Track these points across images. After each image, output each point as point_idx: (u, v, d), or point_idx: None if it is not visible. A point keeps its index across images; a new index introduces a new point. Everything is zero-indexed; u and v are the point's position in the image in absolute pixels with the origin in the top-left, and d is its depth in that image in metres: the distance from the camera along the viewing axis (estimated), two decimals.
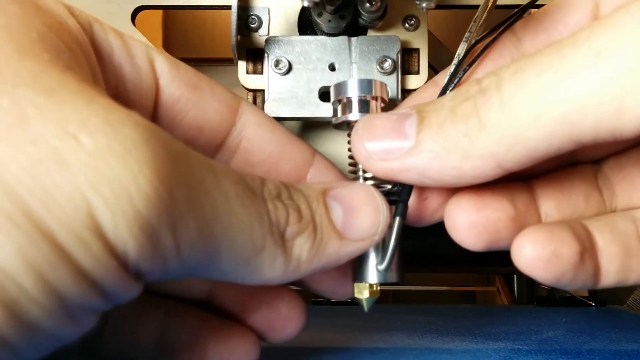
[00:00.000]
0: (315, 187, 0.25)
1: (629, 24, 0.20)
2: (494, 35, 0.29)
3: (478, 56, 0.29)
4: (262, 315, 0.29)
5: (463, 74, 0.29)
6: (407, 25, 0.35)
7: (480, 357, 0.34)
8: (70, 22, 0.22)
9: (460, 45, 0.30)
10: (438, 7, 0.32)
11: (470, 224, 0.25)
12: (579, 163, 0.29)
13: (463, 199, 0.26)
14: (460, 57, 0.29)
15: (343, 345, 0.36)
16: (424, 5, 0.31)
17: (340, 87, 0.28)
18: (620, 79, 0.19)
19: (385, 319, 0.48)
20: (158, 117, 0.27)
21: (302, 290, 0.31)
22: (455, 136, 0.23)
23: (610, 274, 0.25)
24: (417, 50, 0.35)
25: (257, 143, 0.29)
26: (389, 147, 0.24)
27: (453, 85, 0.29)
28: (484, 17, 0.30)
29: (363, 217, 0.25)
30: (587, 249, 0.25)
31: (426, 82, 0.35)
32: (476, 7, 0.37)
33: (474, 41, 0.29)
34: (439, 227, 0.30)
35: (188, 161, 0.20)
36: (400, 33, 0.35)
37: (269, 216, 0.22)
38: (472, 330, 0.41)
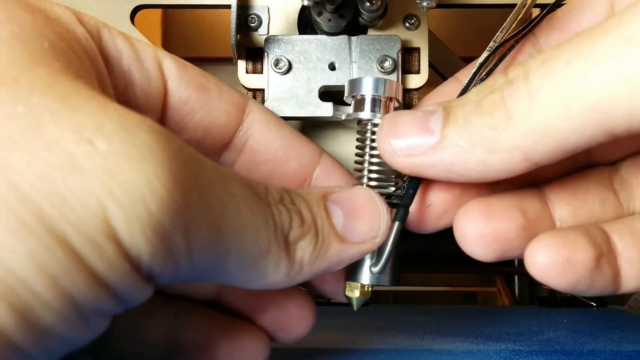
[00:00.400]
0: (315, 191, 0.25)
1: None
2: (517, 38, 0.29)
3: (502, 58, 0.29)
4: (271, 315, 0.28)
5: (486, 77, 0.28)
6: (407, 24, 0.35)
7: (481, 358, 0.33)
8: (79, 30, 0.23)
9: (483, 54, 0.29)
10: (439, 6, 0.32)
11: (479, 235, 0.25)
12: (593, 165, 0.28)
13: (471, 209, 0.26)
14: (483, 59, 0.28)
15: (343, 347, 0.36)
16: (425, 4, 0.31)
17: (355, 83, 0.28)
18: None
19: (386, 319, 0.48)
20: (166, 120, 0.27)
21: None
22: (481, 129, 0.22)
23: (631, 278, 0.24)
24: (417, 50, 0.35)
25: (264, 142, 0.29)
26: (414, 143, 0.24)
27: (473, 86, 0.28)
28: (512, 27, 0.29)
29: (364, 221, 0.25)
30: (604, 254, 0.24)
31: (428, 81, 0.35)
32: (477, 6, 0.36)
33: (496, 47, 0.29)
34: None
35: (199, 165, 0.20)
36: (401, 32, 0.35)
37: (274, 220, 0.22)
38: (473, 331, 0.41)
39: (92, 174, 0.17)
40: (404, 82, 0.35)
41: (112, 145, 0.17)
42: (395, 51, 0.33)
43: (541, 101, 0.21)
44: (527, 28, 0.29)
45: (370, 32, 0.35)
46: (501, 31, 0.29)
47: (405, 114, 0.25)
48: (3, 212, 0.16)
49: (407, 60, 0.35)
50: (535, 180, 0.27)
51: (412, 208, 0.26)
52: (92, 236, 0.17)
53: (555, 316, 0.50)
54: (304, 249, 0.23)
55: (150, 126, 0.18)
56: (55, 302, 0.17)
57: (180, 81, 0.27)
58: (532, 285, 0.87)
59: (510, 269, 0.93)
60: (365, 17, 0.33)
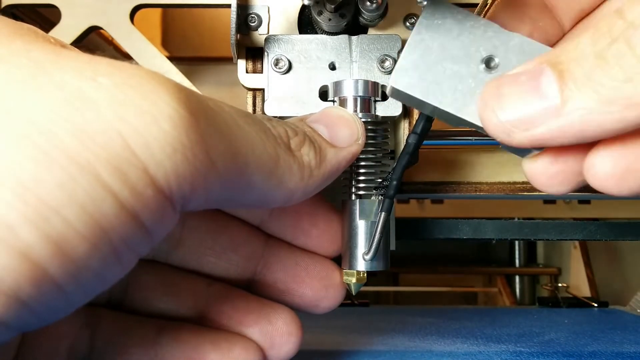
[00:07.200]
0: (292, 118, 0.27)
1: None
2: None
3: None
4: (260, 329, 0.29)
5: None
6: (408, 24, 0.35)
7: None
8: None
9: None
10: None
11: None
12: None
13: None
14: None
15: (343, 348, 0.36)
16: (425, 3, 0.30)
17: (338, 85, 0.31)
18: None
19: (386, 320, 0.47)
20: None
21: None
22: (613, 84, 0.20)
23: None
24: None
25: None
26: (530, 112, 0.22)
27: None
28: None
29: (344, 128, 0.28)
30: None
31: None
32: (476, 6, 0.36)
33: None
34: (441, 229, 0.30)
35: (188, 89, 0.21)
36: (401, 32, 0.34)
37: (271, 131, 0.24)
38: (474, 332, 0.41)
39: (103, 104, 0.18)
40: None
41: (112, 79, 0.18)
42: (395, 51, 0.33)
43: None
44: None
45: (371, 31, 0.34)
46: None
47: (506, 82, 0.22)
48: (27, 146, 0.17)
49: None
50: None
51: (613, 171, 0.22)
52: (114, 162, 0.17)
53: (556, 317, 0.50)
54: (308, 154, 0.25)
55: (132, 66, 0.20)
56: (86, 231, 0.17)
57: None
58: (532, 285, 0.86)
59: (510, 269, 0.93)
60: (365, 17, 0.33)
